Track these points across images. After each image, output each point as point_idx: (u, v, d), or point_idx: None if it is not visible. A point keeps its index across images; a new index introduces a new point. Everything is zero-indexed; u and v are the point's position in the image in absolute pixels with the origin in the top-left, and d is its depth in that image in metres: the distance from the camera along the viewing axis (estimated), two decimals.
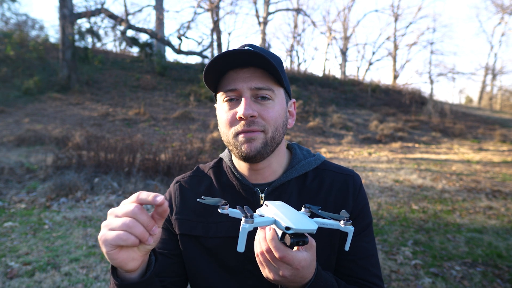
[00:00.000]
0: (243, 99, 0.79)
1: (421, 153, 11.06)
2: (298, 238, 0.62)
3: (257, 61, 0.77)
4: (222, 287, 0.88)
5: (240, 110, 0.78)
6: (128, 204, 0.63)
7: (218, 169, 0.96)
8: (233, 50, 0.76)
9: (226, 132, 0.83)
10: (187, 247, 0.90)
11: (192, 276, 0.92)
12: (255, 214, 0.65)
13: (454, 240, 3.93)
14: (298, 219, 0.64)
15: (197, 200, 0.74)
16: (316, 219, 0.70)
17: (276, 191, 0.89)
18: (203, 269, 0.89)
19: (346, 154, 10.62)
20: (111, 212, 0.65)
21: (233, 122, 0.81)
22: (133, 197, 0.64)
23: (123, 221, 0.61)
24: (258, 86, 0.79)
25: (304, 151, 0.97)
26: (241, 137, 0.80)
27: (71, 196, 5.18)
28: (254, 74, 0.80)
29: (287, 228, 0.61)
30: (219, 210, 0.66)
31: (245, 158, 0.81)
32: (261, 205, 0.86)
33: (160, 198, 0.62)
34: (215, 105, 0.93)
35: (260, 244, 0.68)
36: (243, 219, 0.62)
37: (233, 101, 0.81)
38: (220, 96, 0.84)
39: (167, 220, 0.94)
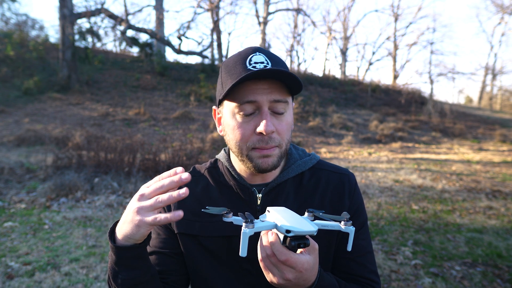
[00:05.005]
0: (264, 114, 0.78)
1: (421, 153, 11.05)
2: (299, 241, 0.64)
3: (278, 75, 0.76)
4: (220, 285, 0.89)
5: (262, 126, 0.77)
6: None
7: (215, 170, 0.97)
8: (259, 70, 0.73)
9: (240, 145, 0.82)
10: (187, 246, 0.91)
11: (192, 274, 0.93)
12: (256, 220, 0.67)
13: (454, 240, 3.93)
14: (298, 222, 0.65)
15: (202, 210, 0.76)
16: (316, 221, 0.71)
17: (273, 191, 0.89)
18: (202, 267, 0.90)
19: (346, 154, 10.62)
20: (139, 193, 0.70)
21: (250, 135, 0.80)
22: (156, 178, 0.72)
23: (155, 185, 0.68)
24: (278, 98, 0.79)
25: (300, 151, 0.98)
26: (256, 153, 0.81)
27: (71, 196, 5.18)
28: (273, 86, 0.78)
29: (288, 231, 0.62)
30: (223, 219, 0.67)
31: (260, 171, 0.82)
32: (258, 205, 0.89)
33: (185, 175, 0.67)
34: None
35: (263, 249, 0.69)
36: (243, 224, 0.63)
37: (249, 113, 0.80)
38: (235, 107, 0.80)
39: None
